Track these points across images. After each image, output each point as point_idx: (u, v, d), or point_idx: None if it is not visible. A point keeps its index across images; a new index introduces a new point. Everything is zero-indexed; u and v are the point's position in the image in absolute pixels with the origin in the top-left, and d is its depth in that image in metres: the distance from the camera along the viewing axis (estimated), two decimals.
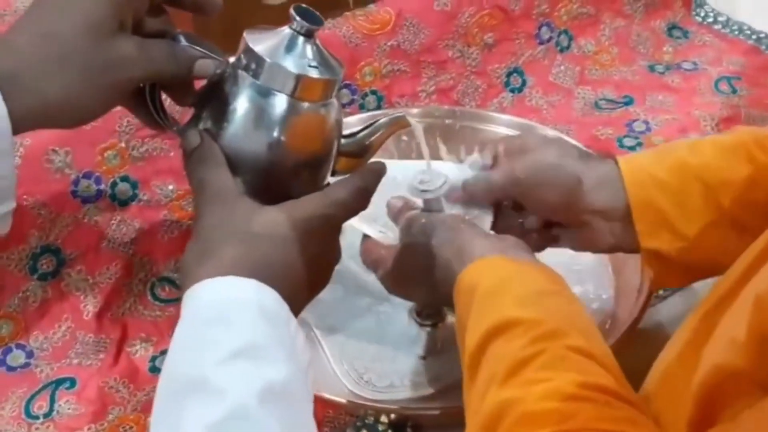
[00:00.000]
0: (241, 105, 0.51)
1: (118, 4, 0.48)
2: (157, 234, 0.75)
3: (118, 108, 0.72)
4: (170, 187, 0.76)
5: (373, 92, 0.85)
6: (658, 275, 0.62)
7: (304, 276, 0.50)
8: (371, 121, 0.57)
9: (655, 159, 0.61)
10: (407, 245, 0.60)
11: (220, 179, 0.50)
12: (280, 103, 0.50)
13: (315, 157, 0.53)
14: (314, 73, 0.51)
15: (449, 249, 0.56)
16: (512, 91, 0.94)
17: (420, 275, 0.59)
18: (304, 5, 0.51)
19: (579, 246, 0.65)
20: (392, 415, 0.60)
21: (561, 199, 0.61)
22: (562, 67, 0.97)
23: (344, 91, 0.83)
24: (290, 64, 0.50)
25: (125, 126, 0.73)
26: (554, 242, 0.65)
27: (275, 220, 0.49)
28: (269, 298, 0.46)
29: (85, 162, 0.72)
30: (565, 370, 0.46)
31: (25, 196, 0.70)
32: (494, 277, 0.53)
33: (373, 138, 0.56)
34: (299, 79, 0.50)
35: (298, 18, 0.50)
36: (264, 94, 0.50)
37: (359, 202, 0.53)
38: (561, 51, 0.97)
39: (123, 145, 0.73)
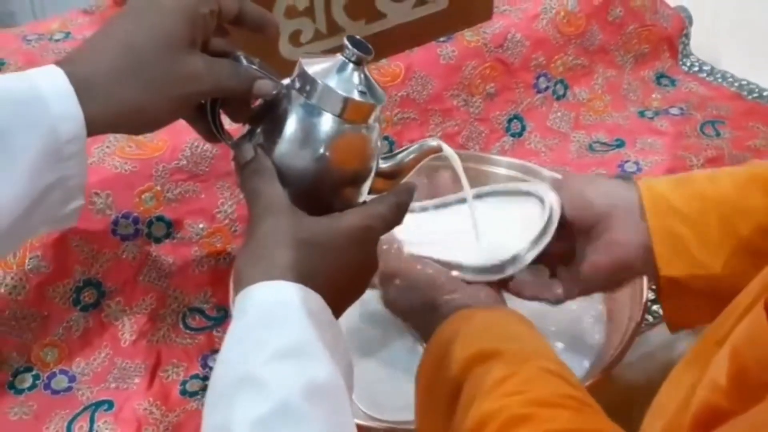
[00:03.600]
0: (292, 122, 0.52)
1: (192, 23, 0.50)
2: (189, 268, 0.78)
3: (155, 154, 0.76)
4: (201, 225, 0.78)
5: (386, 137, 0.88)
6: (675, 310, 0.61)
7: (345, 282, 0.51)
8: (407, 146, 0.59)
9: (673, 186, 0.60)
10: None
11: (272, 190, 0.51)
12: (328, 122, 0.52)
13: (356, 174, 0.55)
14: (361, 98, 0.53)
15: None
16: (513, 135, 0.96)
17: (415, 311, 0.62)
18: (357, 36, 0.54)
19: (610, 253, 0.61)
20: None
21: (582, 188, 0.62)
22: (559, 114, 0.99)
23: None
24: (340, 87, 0.52)
25: (161, 170, 0.76)
26: (589, 271, 0.62)
27: (322, 230, 0.50)
28: (314, 302, 0.48)
29: (124, 203, 0.74)
30: (541, 385, 0.49)
31: (70, 235, 0.72)
32: (475, 323, 0.56)
33: (406, 161, 0.58)
34: (347, 101, 0.52)
35: (350, 47, 0.53)
36: (314, 113, 0.52)
37: (396, 215, 0.54)
38: (557, 99, 0.99)
39: (159, 188, 0.76)
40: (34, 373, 0.72)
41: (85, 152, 0.49)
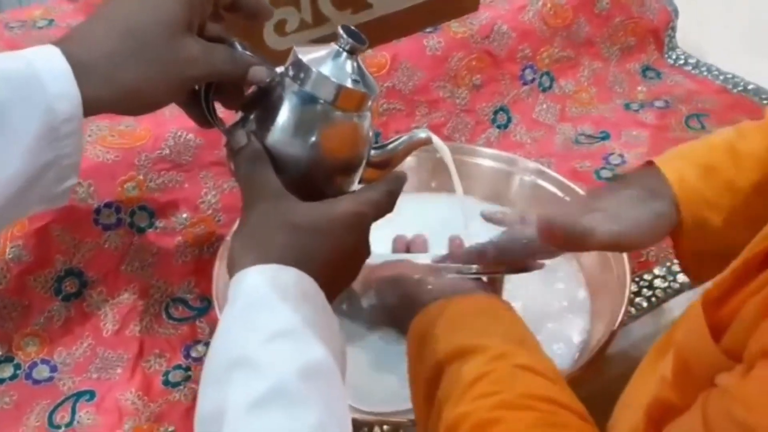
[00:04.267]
0: (286, 109, 0.53)
1: (190, 6, 0.50)
2: (172, 258, 0.77)
3: (137, 143, 0.76)
4: (184, 215, 0.77)
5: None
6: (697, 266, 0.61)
7: (338, 267, 0.52)
8: (397, 137, 0.59)
9: (702, 179, 0.59)
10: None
11: (266, 176, 0.51)
12: (321, 109, 0.53)
13: (348, 161, 0.55)
14: (354, 86, 0.53)
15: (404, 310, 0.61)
16: (498, 127, 0.95)
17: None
18: (352, 26, 0.54)
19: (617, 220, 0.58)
20: (385, 426, 0.62)
21: (629, 236, 0.58)
22: (545, 106, 0.99)
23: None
24: (334, 75, 0.52)
25: (143, 160, 0.75)
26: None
27: (316, 215, 0.51)
28: (309, 285, 0.48)
29: (106, 193, 0.74)
30: (512, 385, 0.50)
31: (52, 224, 0.71)
32: (448, 315, 0.57)
33: (396, 151, 0.58)
34: (340, 89, 0.52)
35: (344, 36, 0.53)
36: (307, 100, 0.53)
37: (388, 203, 0.55)
38: (543, 91, 0.99)
39: (141, 177, 0.75)
40: (15, 362, 0.71)
41: (81, 132, 0.48)
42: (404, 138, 0.58)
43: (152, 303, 0.76)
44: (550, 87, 1.00)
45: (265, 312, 0.46)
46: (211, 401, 0.44)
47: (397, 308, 0.64)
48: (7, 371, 0.70)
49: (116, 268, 0.75)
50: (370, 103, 0.55)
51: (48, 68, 0.46)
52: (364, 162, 0.56)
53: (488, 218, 0.70)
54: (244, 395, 0.42)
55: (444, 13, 0.91)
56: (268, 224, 0.49)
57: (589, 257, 0.75)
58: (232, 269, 0.49)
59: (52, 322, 0.73)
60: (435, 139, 0.60)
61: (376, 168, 0.57)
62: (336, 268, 0.51)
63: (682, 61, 1.10)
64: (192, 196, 0.78)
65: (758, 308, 0.37)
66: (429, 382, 0.53)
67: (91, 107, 0.48)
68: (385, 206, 0.54)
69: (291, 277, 0.48)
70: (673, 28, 1.09)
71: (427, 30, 0.90)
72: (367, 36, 0.86)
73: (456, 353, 0.53)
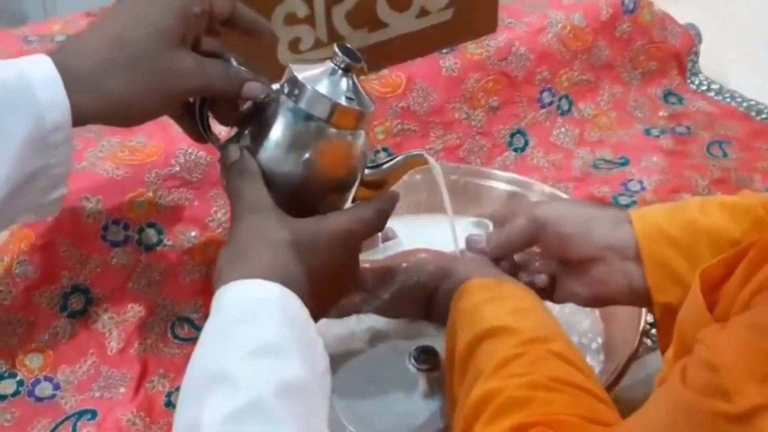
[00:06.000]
0: (280, 125, 0.52)
1: (184, 20, 0.50)
2: (179, 277, 0.76)
3: (148, 159, 0.75)
4: (193, 233, 0.77)
5: (385, 149, 0.86)
6: (669, 334, 0.62)
7: (325, 284, 0.51)
8: (392, 157, 0.58)
9: (666, 216, 0.60)
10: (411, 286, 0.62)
11: (256, 191, 0.51)
12: (314, 126, 0.52)
13: (341, 179, 0.55)
14: (348, 103, 0.53)
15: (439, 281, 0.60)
16: (515, 150, 0.94)
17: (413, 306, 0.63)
18: (347, 44, 0.54)
19: (591, 289, 0.61)
20: None
21: (578, 230, 0.60)
22: (563, 129, 0.97)
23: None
24: (328, 92, 0.52)
25: (153, 177, 0.75)
26: (567, 296, 0.64)
27: (304, 231, 0.50)
28: (292, 302, 0.47)
29: (115, 209, 0.73)
30: (542, 368, 0.50)
31: (59, 240, 0.71)
32: (487, 293, 0.57)
33: (391, 171, 0.57)
34: (334, 106, 0.52)
35: (340, 54, 0.53)
36: (301, 117, 0.52)
37: (379, 222, 0.55)
38: (562, 114, 0.98)
39: (151, 194, 0.75)
40: (18, 379, 0.70)
41: (71, 141, 0.48)
42: (399, 158, 0.58)
43: (158, 321, 0.75)
44: (569, 110, 0.98)
45: (246, 328, 0.45)
46: (187, 416, 0.43)
47: (431, 285, 0.61)
48: (10, 388, 0.70)
49: (123, 286, 0.74)
50: (364, 121, 0.54)
51: (39, 77, 0.46)
52: (357, 181, 0.55)
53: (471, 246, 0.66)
54: (219, 409, 0.42)
55: (461, 34, 0.91)
56: (255, 239, 0.49)
57: None
58: (217, 283, 0.48)
59: (57, 338, 0.72)
60: (429, 159, 0.59)
61: (370, 188, 0.57)
62: (323, 284, 0.51)
63: (705, 87, 1.08)
64: (201, 215, 0.77)
65: (743, 273, 0.39)
66: (464, 354, 0.53)
67: (81, 116, 0.48)
68: (375, 224, 0.54)
69: (274, 293, 0.47)
70: (696, 53, 1.08)
71: (444, 51, 0.89)
72: (382, 56, 0.86)
73: (492, 331, 0.53)
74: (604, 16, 0.98)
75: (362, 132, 0.55)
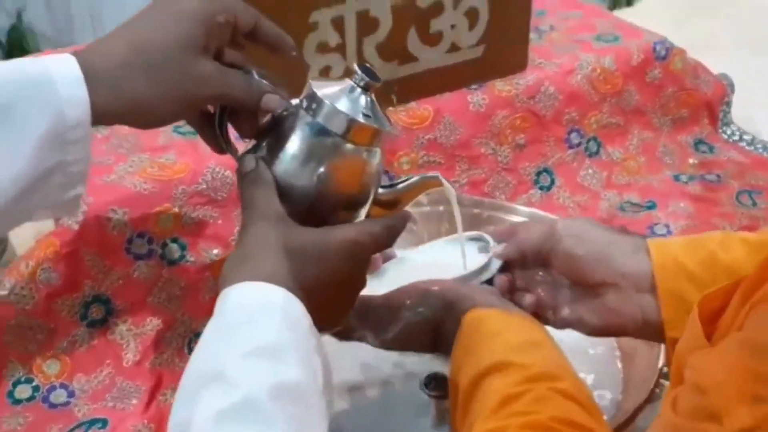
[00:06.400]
0: (296, 139, 0.53)
1: (207, 28, 0.51)
2: (199, 294, 0.77)
3: (176, 176, 0.77)
4: (215, 251, 0.77)
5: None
6: None
7: (330, 295, 0.51)
8: (407, 177, 0.59)
9: (686, 249, 0.58)
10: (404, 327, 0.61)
11: (267, 199, 0.51)
12: (331, 141, 0.53)
13: (354, 196, 0.55)
14: (365, 120, 0.53)
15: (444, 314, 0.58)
16: (541, 188, 0.94)
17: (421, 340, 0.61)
18: (367, 64, 0.55)
19: (602, 317, 0.60)
20: None
21: (594, 254, 0.59)
22: (590, 171, 0.97)
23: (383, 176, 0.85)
24: (346, 108, 0.53)
25: (180, 193, 0.76)
26: (573, 322, 0.62)
27: (311, 239, 0.51)
28: (295, 307, 0.47)
29: (141, 223, 0.74)
30: (546, 407, 0.48)
31: (83, 249, 0.72)
32: (493, 326, 0.55)
33: (405, 192, 0.58)
34: (351, 122, 0.53)
35: (359, 72, 0.54)
36: (318, 132, 0.53)
37: (388, 238, 0.54)
38: (590, 156, 0.98)
39: (176, 210, 0.76)
40: (34, 384, 0.71)
41: (89, 140, 0.49)
42: (414, 179, 0.58)
43: (175, 337, 0.75)
44: (597, 152, 0.98)
45: (246, 329, 0.46)
46: (180, 414, 0.43)
47: (437, 319, 0.60)
48: (26, 393, 0.70)
49: (143, 299, 0.75)
50: (380, 139, 0.55)
51: (62, 73, 0.48)
52: (370, 199, 0.56)
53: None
54: (212, 406, 0.42)
55: (491, 71, 0.92)
56: (262, 244, 0.49)
57: None
58: (222, 285, 0.48)
59: (75, 347, 0.73)
60: (443, 180, 0.59)
61: (383, 207, 0.57)
62: (328, 294, 0.51)
63: (736, 137, 1.07)
64: (225, 233, 0.78)
65: (738, 299, 0.39)
66: (467, 390, 0.52)
67: (100, 115, 0.49)
68: (384, 240, 0.54)
69: (277, 296, 0.47)
70: (728, 103, 1.07)
71: (472, 86, 0.90)
72: (411, 89, 0.88)
73: (497, 366, 0.52)
74: (635, 61, 0.99)
75: (378, 150, 0.55)
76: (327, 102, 0.53)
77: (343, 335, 0.63)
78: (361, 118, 0.54)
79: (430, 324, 0.61)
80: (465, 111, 0.89)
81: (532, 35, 0.98)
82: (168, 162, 0.78)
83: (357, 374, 0.70)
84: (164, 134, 0.83)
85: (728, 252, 0.58)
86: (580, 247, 0.59)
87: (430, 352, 0.64)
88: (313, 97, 0.54)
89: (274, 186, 0.52)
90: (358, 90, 0.54)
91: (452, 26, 0.87)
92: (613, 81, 0.97)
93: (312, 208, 0.53)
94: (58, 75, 0.48)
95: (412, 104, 0.87)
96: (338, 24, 0.80)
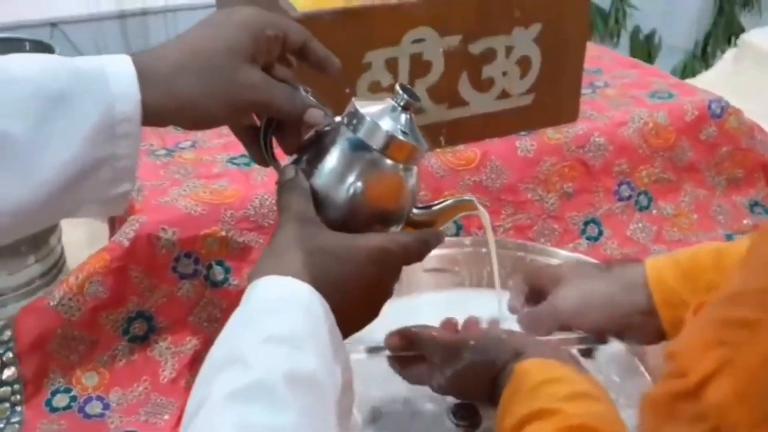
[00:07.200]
0: (336, 152, 0.55)
1: (256, 39, 0.54)
2: None
3: (225, 201, 0.79)
4: None
5: (455, 221, 0.87)
6: None
7: (355, 299, 0.51)
8: (442, 200, 0.59)
9: (683, 281, 0.62)
10: (462, 369, 0.61)
11: (302, 204, 0.53)
12: (369, 156, 0.55)
13: (389, 211, 0.56)
14: (403, 137, 0.55)
15: (508, 358, 0.58)
16: (588, 239, 0.93)
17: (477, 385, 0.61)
18: (407, 85, 0.57)
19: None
20: None
21: (598, 315, 0.64)
22: (640, 225, 0.96)
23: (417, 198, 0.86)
24: (385, 125, 0.55)
25: (228, 217, 0.78)
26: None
27: (341, 242, 0.51)
28: (319, 305, 0.48)
29: (188, 243, 0.76)
30: None
31: (131, 266, 0.74)
32: (544, 374, 0.55)
33: (439, 214, 0.59)
34: (390, 138, 0.54)
35: (400, 92, 0.56)
36: (357, 146, 0.55)
37: (419, 250, 0.55)
38: (640, 209, 0.96)
39: (224, 233, 0.78)
40: (72, 394, 0.72)
41: (139, 136, 0.51)
42: (449, 201, 0.59)
43: None
44: (648, 207, 0.97)
45: (266, 317, 0.46)
46: (197, 394, 0.44)
47: (498, 364, 0.59)
48: (63, 402, 0.72)
49: (184, 318, 0.76)
50: (418, 157, 0.56)
51: (116, 71, 0.50)
52: (404, 217, 0.57)
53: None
54: (227, 385, 0.42)
55: (540, 120, 0.92)
56: (293, 242, 0.50)
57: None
58: (251, 278, 0.49)
59: (115, 360, 0.74)
60: (478, 205, 0.60)
61: (416, 228, 0.58)
62: (353, 298, 0.51)
63: None
64: None
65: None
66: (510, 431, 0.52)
67: (151, 113, 0.51)
68: (415, 253, 0.54)
69: (302, 291, 0.48)
70: None
71: (521, 132, 0.91)
72: (460, 132, 0.89)
73: (542, 413, 0.51)
74: (689, 117, 0.98)
75: (414, 169, 0.57)
76: (368, 118, 0.55)
77: (402, 364, 0.63)
78: (400, 135, 0.55)
79: (491, 370, 0.60)
80: (513, 156, 0.89)
81: (585, 90, 0.99)
82: (220, 188, 0.80)
83: (382, 394, 0.69)
84: (219, 164, 0.86)
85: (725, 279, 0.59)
86: (586, 316, 0.66)
87: (486, 400, 0.62)
88: (354, 114, 0.55)
89: (309, 193, 0.54)
90: (399, 109, 0.56)
91: (504, 73, 0.88)
92: (665, 136, 0.97)
93: (346, 222, 0.54)
94: (112, 71, 0.50)
95: (460, 147, 0.88)
96: (392, 65, 0.83)
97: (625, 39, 2.58)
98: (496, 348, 0.60)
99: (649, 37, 2.60)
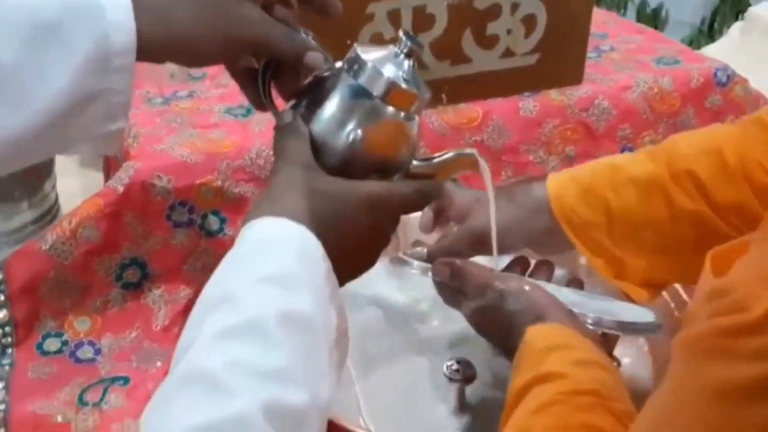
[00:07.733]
0: (335, 98, 0.54)
1: None
2: None
3: (221, 151, 0.78)
4: None
5: (454, 180, 0.86)
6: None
7: (350, 245, 0.50)
8: (443, 152, 0.58)
9: (580, 198, 0.64)
10: (483, 307, 0.60)
11: (300, 147, 0.52)
12: (369, 103, 0.53)
13: (388, 160, 0.55)
14: (405, 85, 0.54)
15: (525, 316, 0.57)
16: None
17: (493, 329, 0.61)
18: (410, 32, 0.56)
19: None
20: None
21: (516, 239, 0.67)
22: None
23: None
24: (387, 72, 0.53)
25: (224, 167, 0.77)
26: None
27: (338, 187, 0.50)
28: (312, 244, 0.47)
29: (184, 191, 0.75)
30: (581, 415, 0.48)
31: (125, 211, 0.73)
32: (556, 338, 0.54)
33: (440, 166, 0.57)
34: (391, 85, 0.53)
35: (404, 38, 0.55)
36: (358, 93, 0.53)
37: (417, 200, 0.54)
38: None
39: (219, 183, 0.77)
40: (63, 339, 0.72)
41: (133, 71, 0.50)
42: (450, 154, 0.58)
43: None
44: None
45: (259, 258, 0.45)
46: (191, 330, 0.43)
47: (518, 314, 0.58)
48: (54, 345, 0.71)
49: (178, 266, 0.76)
50: (418, 106, 0.55)
51: (111, 1, 0.49)
52: (404, 168, 0.55)
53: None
54: (217, 324, 0.42)
55: (544, 81, 0.91)
56: (288, 186, 0.49)
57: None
58: (245, 221, 0.48)
59: (108, 307, 0.73)
60: (479, 158, 0.59)
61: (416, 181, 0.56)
62: (349, 243, 0.50)
63: None
64: None
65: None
66: (517, 393, 0.51)
67: (146, 46, 0.50)
68: (412, 202, 0.54)
69: (296, 232, 0.47)
70: None
71: (524, 93, 0.90)
72: (462, 90, 0.87)
73: (549, 376, 0.51)
74: (695, 84, 0.97)
75: (416, 119, 0.55)
76: (369, 64, 0.53)
77: (441, 287, 0.63)
78: (402, 83, 0.54)
79: (506, 319, 0.58)
80: (515, 116, 0.88)
81: (591, 54, 0.97)
82: (217, 138, 0.79)
83: (377, 346, 0.68)
84: (217, 114, 0.85)
85: (620, 198, 0.64)
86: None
87: (498, 345, 0.62)
88: (356, 59, 0.54)
89: (308, 138, 0.52)
90: (402, 56, 0.55)
91: (508, 31, 0.87)
92: (670, 102, 0.95)
93: (344, 169, 0.53)
94: (107, 2, 0.49)
95: (462, 105, 0.87)
96: (394, 17, 0.81)
97: (632, 12, 2.55)
98: (516, 300, 0.59)
99: (657, 10, 2.57)
